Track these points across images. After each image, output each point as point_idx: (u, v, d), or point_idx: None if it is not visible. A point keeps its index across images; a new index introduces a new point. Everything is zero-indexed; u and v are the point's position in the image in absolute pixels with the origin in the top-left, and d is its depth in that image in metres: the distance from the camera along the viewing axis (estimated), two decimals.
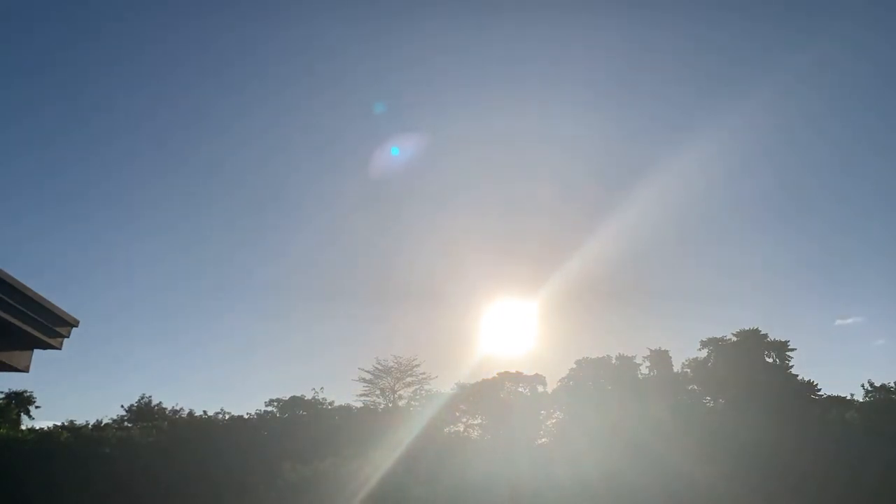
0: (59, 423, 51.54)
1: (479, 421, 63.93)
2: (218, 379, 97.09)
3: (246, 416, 61.00)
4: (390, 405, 66.07)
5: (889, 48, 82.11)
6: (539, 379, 65.52)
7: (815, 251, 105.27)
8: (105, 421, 58.22)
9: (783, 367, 59.12)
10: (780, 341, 59.94)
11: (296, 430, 53.72)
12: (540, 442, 58.12)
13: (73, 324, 6.90)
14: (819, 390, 57.66)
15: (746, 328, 60.56)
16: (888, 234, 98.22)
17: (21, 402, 63.89)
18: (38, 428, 51.92)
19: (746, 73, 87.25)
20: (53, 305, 6.54)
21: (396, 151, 73.67)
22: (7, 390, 61.65)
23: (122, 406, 65.05)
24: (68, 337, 7.01)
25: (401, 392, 68.35)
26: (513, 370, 65.44)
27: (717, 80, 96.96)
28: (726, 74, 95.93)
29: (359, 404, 64.94)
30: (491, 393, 63.12)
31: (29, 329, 6.38)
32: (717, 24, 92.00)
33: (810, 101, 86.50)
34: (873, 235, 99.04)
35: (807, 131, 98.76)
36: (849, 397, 54.38)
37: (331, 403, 63.00)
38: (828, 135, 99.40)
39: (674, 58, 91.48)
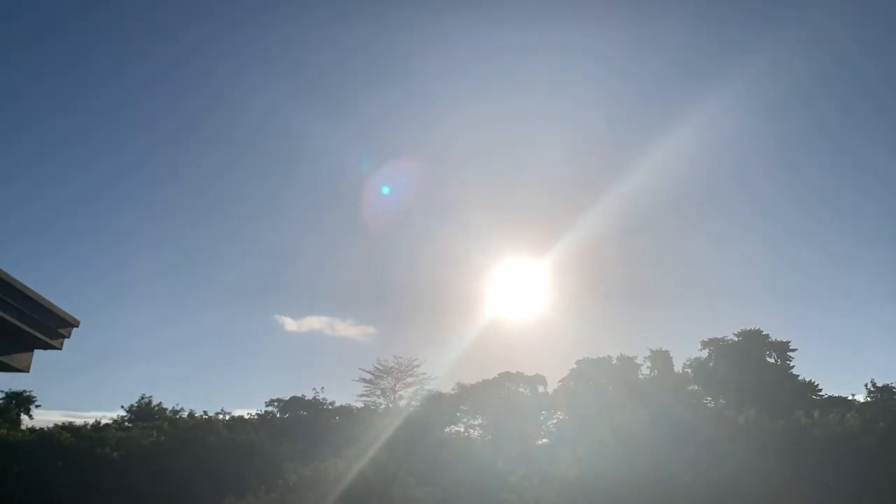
0: (59, 424, 51.58)
1: (480, 421, 63.97)
2: (218, 379, 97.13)
3: (246, 416, 61.08)
4: (391, 405, 66.08)
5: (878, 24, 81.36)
6: (539, 379, 65.59)
7: (817, 250, 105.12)
8: (105, 421, 58.31)
9: (784, 368, 59.15)
10: (782, 341, 59.99)
11: (296, 430, 53.66)
12: (540, 442, 58.08)
13: (73, 324, 6.85)
14: (820, 390, 57.64)
15: (748, 328, 60.60)
16: (892, 231, 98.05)
17: (21, 402, 63.94)
18: (38, 428, 51.91)
19: (739, 49, 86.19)
20: (54, 306, 6.48)
21: (387, 189, 73.51)
22: (7, 390, 61.77)
23: (123, 406, 65.26)
24: (69, 337, 6.96)
25: (401, 392, 68.47)
26: (513, 370, 65.55)
27: (711, 64, 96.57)
28: (718, 56, 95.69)
29: (359, 404, 65.05)
30: (491, 393, 63.14)
31: (30, 330, 6.33)
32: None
33: (802, 80, 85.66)
34: (876, 233, 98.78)
35: (804, 122, 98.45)
36: (850, 397, 54.37)
37: (331, 403, 63.08)
38: (827, 128, 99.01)
39: (671, 40, 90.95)
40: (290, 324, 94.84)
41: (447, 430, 59.20)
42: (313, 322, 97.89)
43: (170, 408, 63.41)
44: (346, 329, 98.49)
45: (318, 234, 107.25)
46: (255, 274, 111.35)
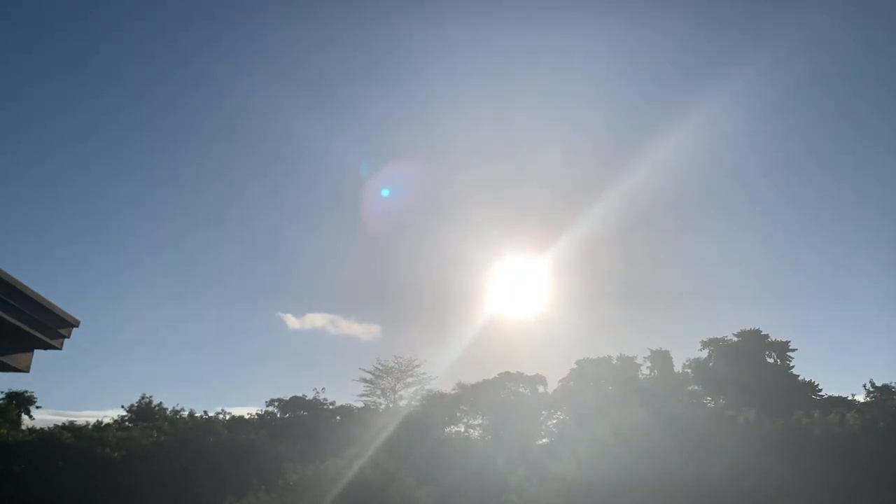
0: (59, 424, 51.56)
1: (480, 421, 63.97)
2: (218, 379, 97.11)
3: (246, 416, 61.13)
4: (391, 405, 66.07)
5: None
6: (539, 379, 65.58)
7: (817, 250, 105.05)
8: (105, 421, 58.31)
9: (784, 368, 59.13)
10: (781, 341, 59.97)
11: (296, 430, 53.68)
12: (541, 442, 58.10)
13: (73, 324, 6.85)
14: (820, 391, 57.63)
15: (747, 328, 60.58)
16: (892, 231, 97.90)
17: (21, 402, 63.91)
18: (38, 428, 51.89)
19: (738, 49, 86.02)
20: (54, 306, 6.49)
21: (387, 192, 73.50)
22: (7, 390, 61.74)
23: (123, 406, 65.24)
24: (69, 337, 6.97)
25: (401, 392, 68.45)
26: (513, 370, 65.54)
27: (711, 64, 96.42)
28: (718, 56, 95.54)
29: (360, 404, 65.06)
30: (491, 393, 63.12)
31: (30, 330, 6.33)
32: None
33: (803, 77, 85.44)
34: (876, 233, 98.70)
35: (804, 122, 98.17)
36: (850, 398, 54.34)
37: (332, 403, 63.12)
38: (827, 128, 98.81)
39: (667, 41, 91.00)
40: (292, 321, 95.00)
41: (447, 430, 59.22)
42: (315, 319, 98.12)
43: (170, 408, 63.42)
44: (348, 327, 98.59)
45: (318, 232, 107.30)
46: (256, 273, 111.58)
